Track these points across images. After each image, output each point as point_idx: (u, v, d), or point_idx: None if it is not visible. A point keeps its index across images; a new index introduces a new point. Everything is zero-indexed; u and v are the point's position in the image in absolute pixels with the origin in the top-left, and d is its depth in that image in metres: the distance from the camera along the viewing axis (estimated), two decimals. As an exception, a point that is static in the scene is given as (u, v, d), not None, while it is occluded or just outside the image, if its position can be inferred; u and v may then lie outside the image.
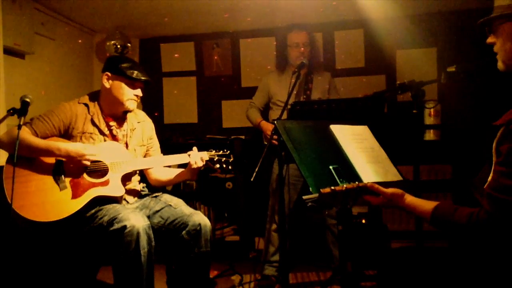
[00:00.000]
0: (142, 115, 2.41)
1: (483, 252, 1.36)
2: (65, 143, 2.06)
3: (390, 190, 1.48)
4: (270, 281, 2.93)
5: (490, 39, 1.45)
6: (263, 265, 3.00)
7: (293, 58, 3.04)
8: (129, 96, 2.20)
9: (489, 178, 1.32)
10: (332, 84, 3.19)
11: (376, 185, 1.48)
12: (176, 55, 4.15)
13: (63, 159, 2.05)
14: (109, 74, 2.19)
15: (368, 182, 1.50)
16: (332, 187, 1.38)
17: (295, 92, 2.98)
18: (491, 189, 1.29)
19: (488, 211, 1.27)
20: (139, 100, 2.26)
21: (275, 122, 1.68)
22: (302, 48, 3.00)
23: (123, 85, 2.19)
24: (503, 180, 1.26)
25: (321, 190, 1.37)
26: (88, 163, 2.05)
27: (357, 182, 1.46)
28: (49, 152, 2.02)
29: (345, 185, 1.41)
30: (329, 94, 3.14)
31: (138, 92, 2.23)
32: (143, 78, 2.21)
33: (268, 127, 3.00)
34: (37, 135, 2.06)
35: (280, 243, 2.92)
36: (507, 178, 1.26)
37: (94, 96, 2.26)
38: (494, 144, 1.33)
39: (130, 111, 2.27)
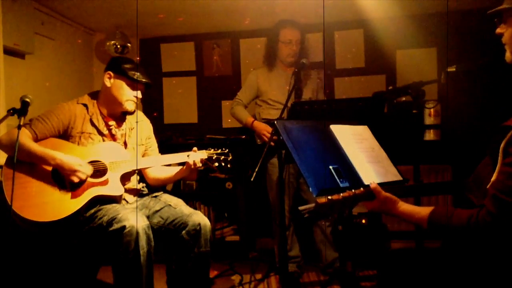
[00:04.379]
0: (140, 115, 2.42)
1: (482, 253, 1.35)
2: (62, 154, 2.03)
3: (384, 194, 1.45)
4: (293, 277, 2.93)
5: (499, 29, 1.42)
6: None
7: (283, 54, 3.01)
8: (129, 96, 2.21)
9: (493, 178, 1.29)
10: (320, 84, 3.18)
11: (377, 186, 1.46)
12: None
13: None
14: (111, 73, 2.21)
15: (371, 183, 1.48)
16: (329, 197, 1.34)
17: (287, 92, 2.98)
18: (497, 191, 1.25)
19: (492, 213, 1.24)
20: (138, 102, 2.27)
21: (275, 122, 1.68)
22: (294, 46, 2.99)
23: (124, 85, 2.20)
24: (510, 182, 1.23)
25: (317, 200, 1.33)
26: (76, 180, 2.02)
27: (353, 190, 1.43)
28: (44, 160, 2.02)
29: (341, 194, 1.37)
30: (318, 93, 3.14)
31: (138, 94, 2.24)
32: (144, 80, 2.22)
33: (262, 127, 2.96)
34: (36, 136, 2.06)
35: (280, 242, 2.92)
36: None
37: (93, 96, 2.27)
38: (502, 145, 1.28)
39: (128, 113, 2.27)
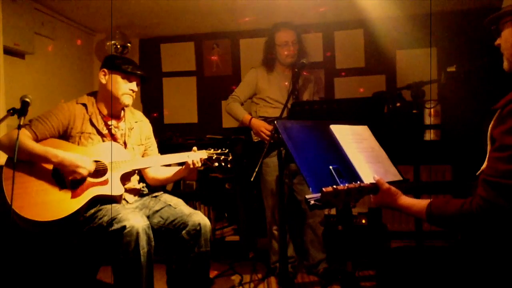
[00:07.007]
0: (139, 115, 2.42)
1: (483, 250, 1.34)
2: (63, 152, 2.03)
3: (387, 185, 1.50)
4: (288, 278, 2.93)
5: (498, 41, 1.43)
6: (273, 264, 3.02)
7: (282, 56, 3.01)
8: (124, 90, 2.21)
9: (483, 166, 1.30)
10: (317, 85, 3.18)
11: (381, 179, 1.51)
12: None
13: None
14: (105, 70, 2.22)
15: (374, 176, 1.53)
16: (334, 186, 1.38)
17: (286, 93, 2.98)
18: (487, 175, 1.26)
19: (484, 198, 1.24)
20: (134, 96, 2.27)
21: (275, 122, 1.68)
22: (291, 47, 2.99)
23: (119, 79, 2.20)
24: (500, 165, 1.23)
25: (323, 189, 1.36)
26: (79, 176, 2.03)
27: (359, 182, 1.46)
28: (46, 159, 2.01)
29: (347, 185, 1.41)
30: (314, 95, 3.14)
31: (133, 86, 2.24)
32: (138, 72, 2.23)
33: (261, 124, 2.94)
34: (36, 137, 2.06)
35: (280, 243, 2.92)
36: (504, 163, 1.22)
37: (93, 96, 2.27)
38: (489, 131, 1.30)
39: (126, 106, 2.28)
